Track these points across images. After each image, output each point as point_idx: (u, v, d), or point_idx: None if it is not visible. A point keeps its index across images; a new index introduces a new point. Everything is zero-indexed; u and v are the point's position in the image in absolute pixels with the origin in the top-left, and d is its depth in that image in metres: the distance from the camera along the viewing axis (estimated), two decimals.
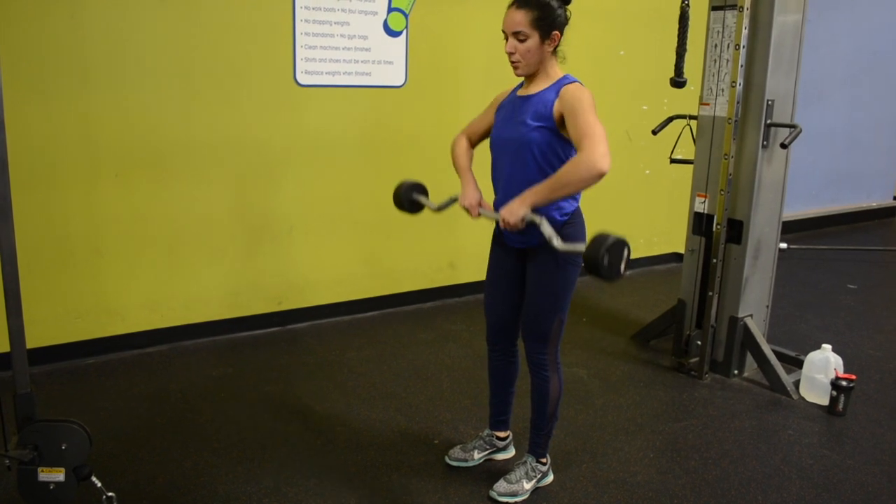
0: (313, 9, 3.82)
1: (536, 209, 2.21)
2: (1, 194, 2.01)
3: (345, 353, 3.79)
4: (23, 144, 3.26)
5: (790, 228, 6.65)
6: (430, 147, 4.35)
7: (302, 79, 3.87)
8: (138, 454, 2.78)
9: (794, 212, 6.69)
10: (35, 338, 3.38)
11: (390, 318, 4.33)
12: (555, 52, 2.31)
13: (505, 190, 2.40)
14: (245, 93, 3.75)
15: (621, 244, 2.02)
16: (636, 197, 5.36)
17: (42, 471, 2.13)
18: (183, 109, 3.61)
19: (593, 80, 4.76)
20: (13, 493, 2.28)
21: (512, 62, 2.29)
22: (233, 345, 3.86)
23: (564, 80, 2.28)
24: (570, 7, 2.30)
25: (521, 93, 2.38)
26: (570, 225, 2.35)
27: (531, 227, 2.26)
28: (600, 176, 2.07)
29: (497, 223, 2.49)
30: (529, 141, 2.28)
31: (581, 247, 2.08)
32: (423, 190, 2.64)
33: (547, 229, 2.18)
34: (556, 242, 2.16)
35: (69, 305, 3.53)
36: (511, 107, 2.39)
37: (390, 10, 4.06)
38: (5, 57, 3.18)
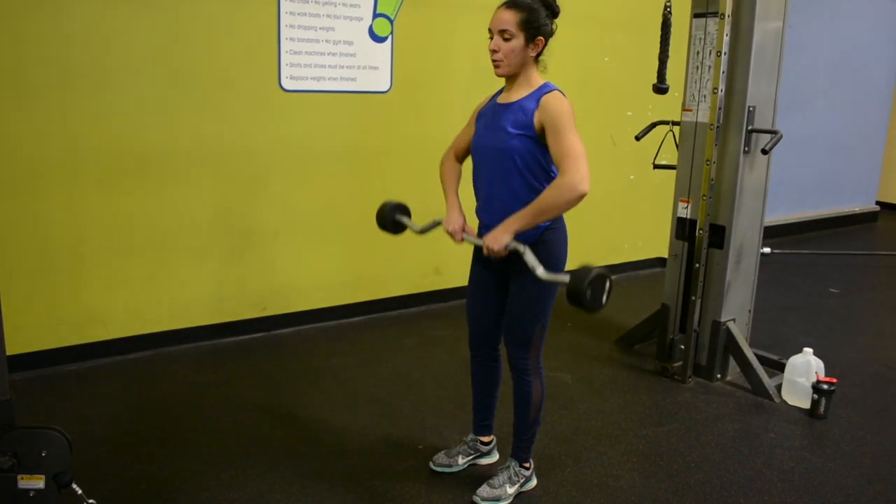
0: (298, 14, 3.82)
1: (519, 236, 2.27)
2: None
3: (329, 358, 3.79)
4: (4, 150, 3.24)
5: (773, 233, 6.70)
6: (415, 152, 4.36)
7: (287, 84, 3.87)
8: (120, 461, 2.76)
9: (777, 216, 6.74)
10: (16, 344, 3.35)
11: (375, 324, 4.33)
12: (537, 59, 2.33)
13: (487, 197, 2.41)
14: (230, 98, 3.74)
15: (603, 277, 2.06)
16: (621, 202, 5.39)
17: (21, 478, 2.12)
18: (167, 114, 3.59)
19: (579, 86, 4.82)
20: None
21: (494, 60, 2.30)
22: (217, 351, 3.85)
23: (545, 89, 2.29)
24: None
25: (500, 100, 2.39)
26: (552, 231, 2.37)
27: (514, 254, 2.29)
28: (581, 197, 2.15)
29: (479, 228, 2.51)
30: (510, 149, 2.29)
31: (564, 278, 2.11)
32: (405, 211, 2.68)
33: (530, 258, 2.22)
34: (540, 272, 2.19)
35: (51, 311, 3.50)
36: (491, 114, 2.40)
37: (375, 15, 4.06)
38: None
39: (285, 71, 3.85)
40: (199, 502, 2.52)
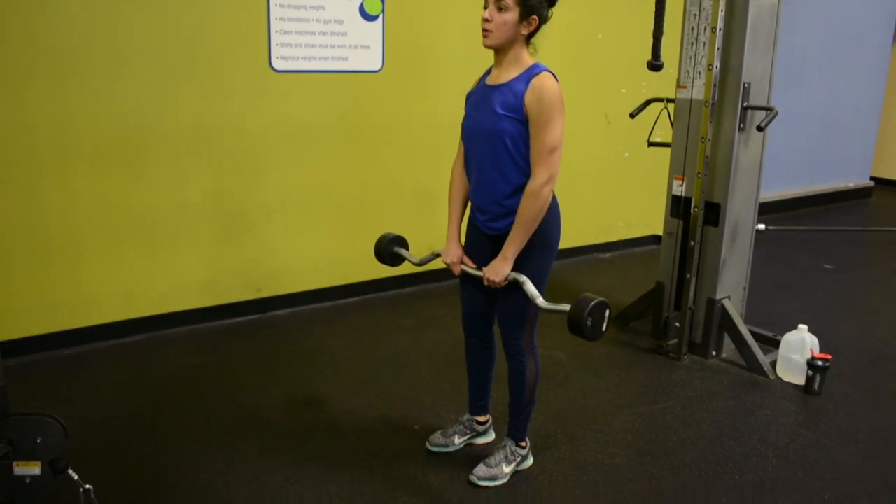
0: None
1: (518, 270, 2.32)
2: None
3: (325, 339, 3.78)
4: None
5: (768, 209, 6.69)
6: (407, 131, 4.33)
7: (277, 64, 3.83)
8: (116, 445, 2.76)
9: (771, 193, 6.73)
10: (9, 329, 3.35)
11: (370, 304, 4.33)
12: (529, 39, 2.29)
13: (478, 180, 2.40)
14: (220, 79, 3.70)
15: (603, 306, 2.14)
16: (615, 180, 5.37)
17: (17, 465, 2.11)
18: (158, 97, 3.55)
19: (572, 63, 4.78)
20: None
21: (484, 29, 2.26)
22: (212, 333, 3.84)
23: (535, 70, 2.26)
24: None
25: (490, 81, 2.36)
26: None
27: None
28: (552, 191, 2.28)
29: (472, 210, 2.50)
30: (501, 130, 2.27)
31: (565, 307, 2.16)
32: (403, 243, 2.73)
33: (530, 289, 2.27)
34: (540, 301, 2.25)
35: (44, 296, 3.49)
36: (481, 94, 2.37)
37: None
38: None
39: (275, 51, 3.81)
40: (195, 485, 2.53)
